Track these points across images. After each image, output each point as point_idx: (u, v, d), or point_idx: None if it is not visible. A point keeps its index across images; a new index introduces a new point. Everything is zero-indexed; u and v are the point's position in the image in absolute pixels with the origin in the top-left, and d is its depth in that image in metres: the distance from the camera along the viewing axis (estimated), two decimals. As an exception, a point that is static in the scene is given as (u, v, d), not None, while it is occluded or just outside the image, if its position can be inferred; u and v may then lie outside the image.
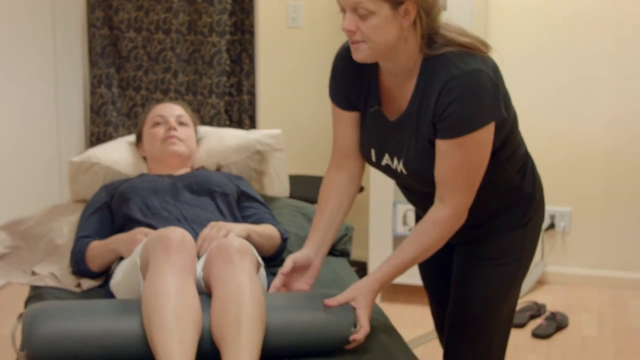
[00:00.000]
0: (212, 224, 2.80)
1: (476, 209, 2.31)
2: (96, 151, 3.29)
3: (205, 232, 2.76)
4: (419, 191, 2.42)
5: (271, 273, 2.87)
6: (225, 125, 4.80)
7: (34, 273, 2.94)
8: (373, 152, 2.40)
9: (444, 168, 2.23)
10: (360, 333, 2.30)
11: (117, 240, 2.83)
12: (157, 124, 3.20)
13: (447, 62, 2.18)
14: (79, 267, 2.89)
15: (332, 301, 2.33)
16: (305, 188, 3.92)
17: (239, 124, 4.88)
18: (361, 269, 4.67)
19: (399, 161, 2.33)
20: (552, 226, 4.70)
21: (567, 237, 4.71)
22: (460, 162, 2.21)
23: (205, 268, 2.45)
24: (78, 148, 4.92)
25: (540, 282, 4.73)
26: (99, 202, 3.05)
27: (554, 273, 4.75)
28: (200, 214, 2.94)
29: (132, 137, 3.42)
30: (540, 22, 4.56)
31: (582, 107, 4.59)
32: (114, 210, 3.01)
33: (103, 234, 2.95)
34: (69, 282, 2.87)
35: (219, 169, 3.32)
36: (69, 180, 3.24)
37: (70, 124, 4.87)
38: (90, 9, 4.84)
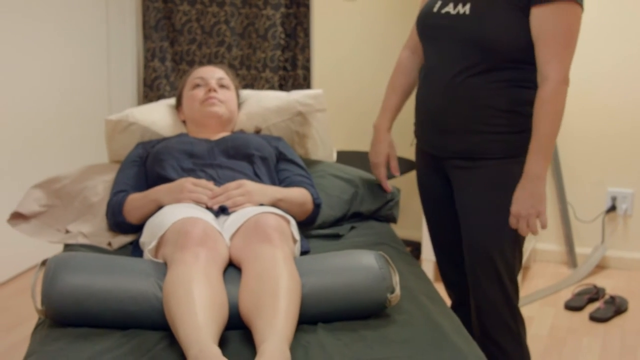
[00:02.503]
0: (242, 183, 2.77)
1: (488, 113, 2.46)
2: (134, 111, 3.22)
3: (231, 188, 2.75)
4: (443, 79, 2.49)
5: (305, 236, 2.81)
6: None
7: (67, 232, 2.91)
8: (439, 2, 2.53)
9: (542, 40, 2.35)
10: None
11: (159, 191, 2.78)
12: (197, 85, 3.15)
13: None
14: (116, 218, 2.84)
15: None
16: (359, 165, 3.79)
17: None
18: (415, 249, 4.58)
19: (464, 5, 2.45)
20: (613, 208, 4.54)
21: (629, 220, 4.55)
22: (559, 30, 2.34)
23: (236, 244, 2.41)
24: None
25: (600, 267, 4.61)
26: (135, 158, 3.02)
27: (614, 257, 4.61)
28: (236, 177, 2.87)
29: (172, 100, 3.36)
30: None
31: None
32: (147, 169, 2.96)
33: (140, 189, 2.92)
34: (99, 240, 2.83)
35: (257, 131, 3.24)
36: (105, 140, 3.18)
37: (123, 97, 4.86)
38: (145, -19, 4.81)
